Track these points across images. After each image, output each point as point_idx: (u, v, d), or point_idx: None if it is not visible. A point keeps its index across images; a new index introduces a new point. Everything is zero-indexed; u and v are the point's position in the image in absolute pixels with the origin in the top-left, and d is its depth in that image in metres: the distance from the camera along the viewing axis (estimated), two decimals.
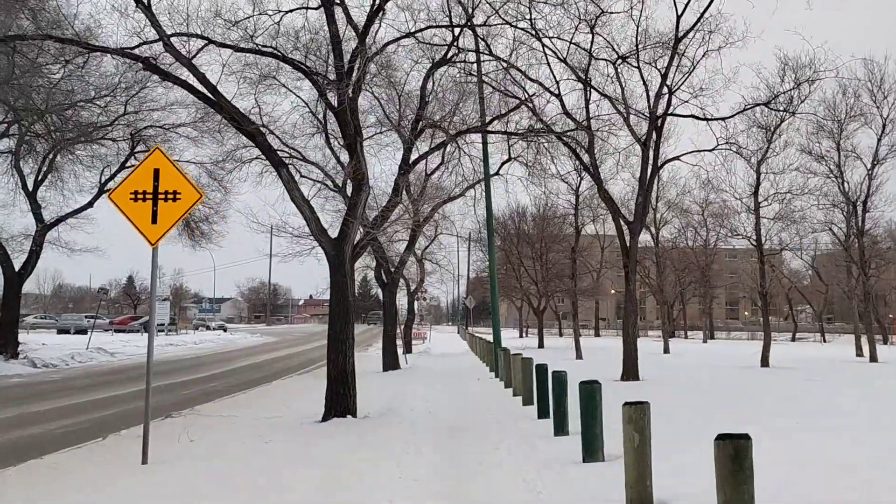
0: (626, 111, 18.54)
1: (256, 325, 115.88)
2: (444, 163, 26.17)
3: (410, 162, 13.65)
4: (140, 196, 9.15)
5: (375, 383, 19.98)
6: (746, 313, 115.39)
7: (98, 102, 29.59)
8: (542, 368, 12.86)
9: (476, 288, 76.51)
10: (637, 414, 6.68)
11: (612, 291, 77.90)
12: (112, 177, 31.80)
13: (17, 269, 29.64)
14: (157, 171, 9.22)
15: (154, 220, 9.11)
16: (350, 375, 12.39)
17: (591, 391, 8.80)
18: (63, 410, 15.17)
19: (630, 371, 19.50)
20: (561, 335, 69.38)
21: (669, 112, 19.21)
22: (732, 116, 19.80)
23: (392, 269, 26.23)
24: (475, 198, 26.28)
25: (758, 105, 20.11)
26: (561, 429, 10.68)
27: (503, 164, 25.79)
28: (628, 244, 19.51)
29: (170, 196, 9.17)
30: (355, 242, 12.74)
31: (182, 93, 28.58)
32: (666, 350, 36.49)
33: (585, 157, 20.00)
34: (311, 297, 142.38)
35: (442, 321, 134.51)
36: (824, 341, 57.38)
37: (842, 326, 70.78)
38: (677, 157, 20.60)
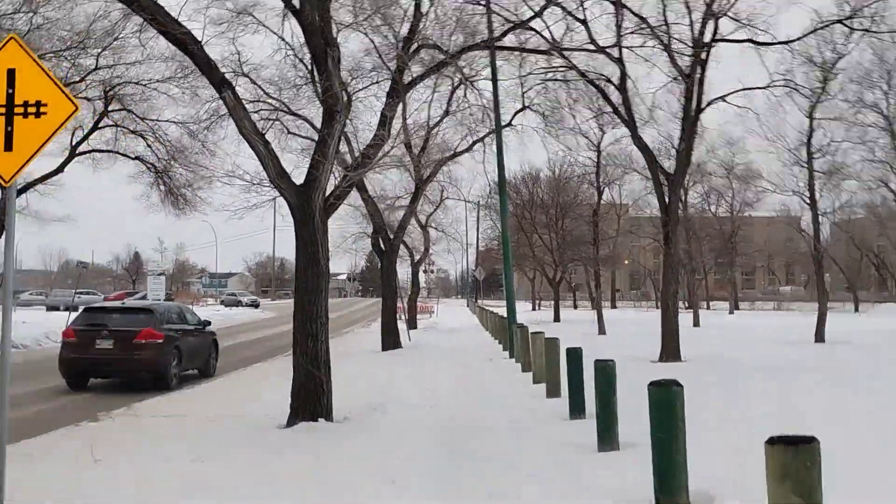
0: (668, 37, 15.30)
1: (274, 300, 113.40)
2: (449, 112, 23.06)
3: (402, 86, 10.53)
4: None
5: (369, 367, 17.03)
6: (763, 283, 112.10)
7: (66, 55, 26.61)
8: (575, 354, 9.86)
9: (485, 259, 73.44)
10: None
11: (627, 261, 74.73)
12: (84, 138, 28.82)
13: None
14: (11, 73, 6.16)
15: (8, 147, 6.07)
16: (323, 366, 9.39)
17: (667, 395, 5.74)
18: None
19: (671, 350, 16.46)
20: (576, 307, 66.37)
21: (718, 38, 15.96)
22: (801, 38, 16.48)
23: (391, 236, 23.14)
24: (485, 153, 23.22)
25: (838, 21, 16.63)
26: (608, 439, 7.70)
27: (516, 113, 22.69)
28: (668, 200, 16.41)
29: (31, 110, 6.12)
30: (329, 191, 9.68)
31: (160, 45, 25.67)
32: (696, 323, 33.33)
33: (614, 98, 16.88)
34: None
35: (451, 294, 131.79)
36: (857, 311, 54.02)
37: (865, 295, 67.43)
38: (723, 97, 17.33)
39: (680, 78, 16.24)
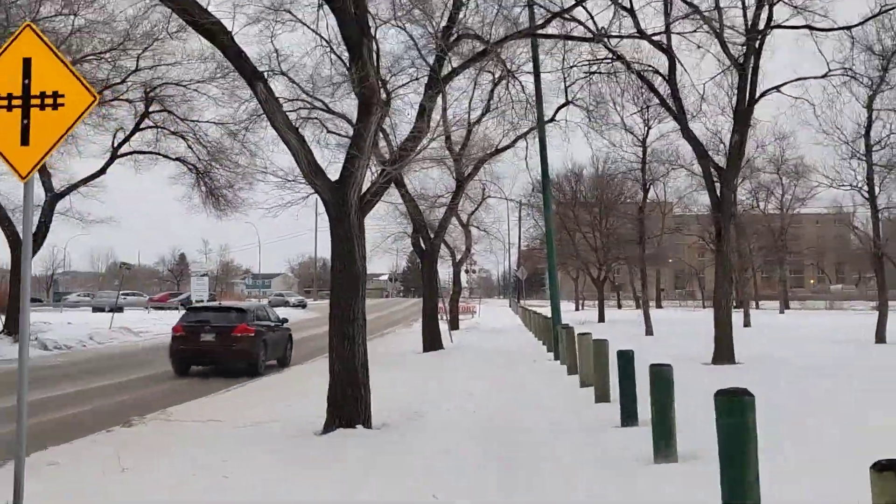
0: (721, 25, 14.55)
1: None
2: (490, 108, 22.57)
3: (442, 77, 10.05)
4: (3, 103, 5.79)
5: (409, 369, 16.60)
6: (812, 281, 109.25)
7: (107, 57, 26.70)
8: (626, 357, 9.28)
9: (528, 259, 72.67)
10: None
11: (670, 260, 73.25)
12: (126, 140, 28.94)
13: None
14: (27, 63, 5.82)
15: (25, 141, 5.73)
16: (360, 369, 8.94)
17: (738, 406, 5.16)
18: (34, 406, 12.19)
19: (724, 352, 15.71)
20: (620, 307, 65.28)
21: (773, 25, 15.17)
22: (861, 24, 15.61)
23: (432, 235, 22.69)
24: (527, 149, 22.67)
25: None
26: (666, 450, 7.13)
27: (559, 108, 22.06)
28: (720, 195, 15.67)
29: (48, 101, 5.77)
30: (365, 188, 9.25)
31: (198, 45, 25.58)
32: (747, 323, 32.28)
33: (662, 90, 16.20)
34: None
35: (493, 294, 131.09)
36: None
37: None
38: (778, 87, 16.50)
39: (732, 68, 15.49)
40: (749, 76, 15.26)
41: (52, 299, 71.59)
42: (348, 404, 8.79)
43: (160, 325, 38.07)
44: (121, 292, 54.71)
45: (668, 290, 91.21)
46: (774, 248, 50.60)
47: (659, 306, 65.67)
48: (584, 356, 13.19)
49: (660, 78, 16.67)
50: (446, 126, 18.15)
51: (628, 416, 9.02)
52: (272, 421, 9.83)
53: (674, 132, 27.26)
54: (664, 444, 7.15)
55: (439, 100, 10.71)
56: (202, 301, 54.60)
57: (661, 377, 7.30)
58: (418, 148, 9.71)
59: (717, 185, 15.65)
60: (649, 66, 16.06)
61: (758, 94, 15.66)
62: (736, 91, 15.42)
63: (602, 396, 11.21)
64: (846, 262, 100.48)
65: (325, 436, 8.66)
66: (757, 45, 15.43)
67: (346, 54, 12.52)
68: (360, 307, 9.02)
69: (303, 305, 68.67)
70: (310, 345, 25.30)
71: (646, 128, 26.45)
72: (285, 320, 20.15)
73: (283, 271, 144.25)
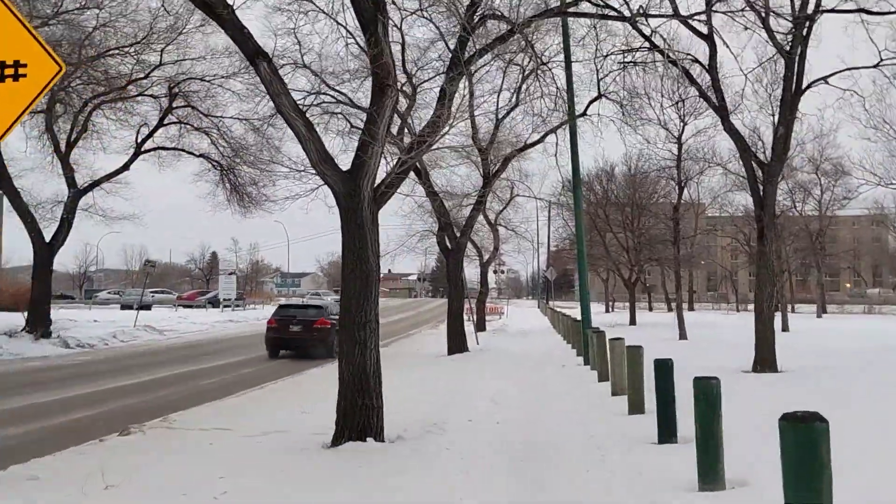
0: (766, 8, 13.53)
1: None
2: (518, 102, 21.71)
3: (464, 60, 9.21)
4: None
5: (432, 373, 15.85)
6: (848, 285, 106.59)
7: (130, 51, 26.30)
8: (664, 368, 8.41)
9: (556, 260, 71.62)
10: None
11: (703, 262, 71.76)
12: (150, 135, 28.55)
13: (47, 239, 26.46)
14: None
15: None
16: (373, 378, 8.15)
17: (809, 436, 4.30)
18: (40, 409, 11.72)
19: (766, 359, 14.70)
20: (650, 309, 63.95)
21: (823, 9, 14.13)
22: None
23: (458, 234, 21.87)
24: (557, 145, 21.77)
25: None
26: (712, 475, 6.28)
27: (591, 102, 21.12)
28: (763, 192, 14.68)
29: (9, 71, 5.08)
30: (380, 179, 8.48)
31: (222, 39, 25.09)
32: (785, 327, 31.01)
33: (701, 82, 15.23)
34: (389, 271, 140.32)
35: (522, 295, 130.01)
36: None
37: None
38: (825, 78, 15.42)
39: (778, 56, 14.49)
40: (795, 65, 14.25)
41: (83, 296, 72.02)
42: (359, 415, 8.02)
43: (186, 323, 37.74)
44: (150, 290, 54.80)
45: (700, 293, 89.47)
46: (811, 250, 49.06)
47: (691, 308, 64.18)
48: (617, 363, 12.34)
49: (699, 68, 15.71)
50: (472, 113, 17.37)
51: (667, 433, 8.17)
52: (282, 431, 9.12)
53: (711, 128, 26.22)
54: (710, 468, 6.30)
55: (464, 88, 9.91)
56: (230, 299, 54.92)
57: (708, 393, 6.43)
58: (438, 135, 8.93)
59: (759, 183, 14.66)
60: (689, 54, 15.15)
61: (804, 85, 14.64)
62: (782, 80, 14.39)
63: (636, 407, 10.36)
64: (884, 265, 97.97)
65: (332, 449, 7.89)
66: (804, 32, 14.41)
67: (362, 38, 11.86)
68: (373, 309, 8.25)
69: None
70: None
71: (681, 123, 25.39)
72: None
73: (312, 270, 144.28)
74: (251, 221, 55.07)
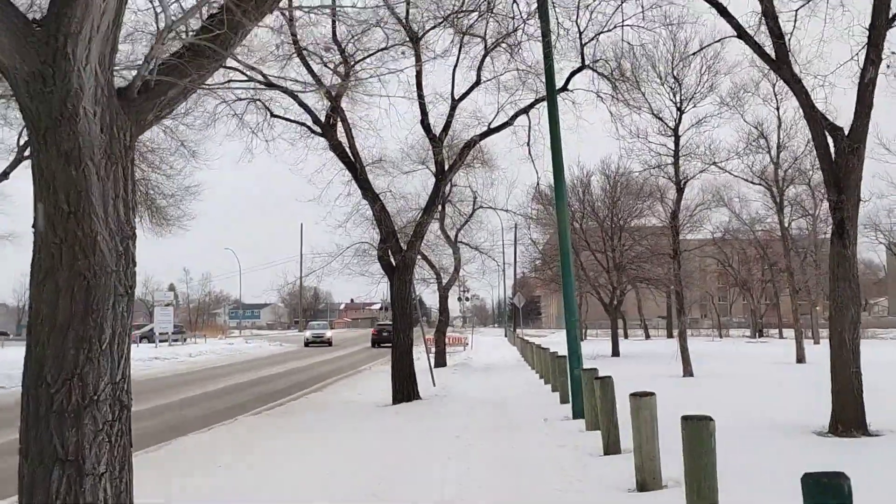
0: None
1: (286, 331, 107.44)
2: (479, 82, 17.16)
3: None
4: None
5: (356, 443, 10.78)
6: (818, 308, 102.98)
7: None
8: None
9: (522, 286, 67.03)
10: None
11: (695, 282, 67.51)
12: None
13: None
14: None
15: None
16: None
17: None
18: None
19: (850, 415, 9.78)
20: (626, 336, 59.37)
21: None
22: None
23: (403, 246, 16.93)
24: (530, 128, 17.23)
25: None
26: None
27: (572, 73, 16.63)
28: (840, 167, 9.96)
29: None
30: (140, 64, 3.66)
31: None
32: (800, 359, 26.21)
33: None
34: (351, 300, 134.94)
35: (489, 322, 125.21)
36: None
37: None
38: None
39: None
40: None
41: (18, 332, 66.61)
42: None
43: None
44: None
45: (672, 317, 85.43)
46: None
47: (669, 335, 59.72)
48: (644, 431, 7.50)
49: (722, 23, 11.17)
50: (420, 82, 12.86)
51: None
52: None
53: (714, 116, 21.79)
54: None
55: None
56: (166, 333, 49.48)
57: None
58: None
59: (833, 152, 10.01)
60: None
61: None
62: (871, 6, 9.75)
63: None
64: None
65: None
66: None
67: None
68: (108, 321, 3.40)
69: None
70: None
71: (678, 112, 20.85)
72: None
73: (273, 301, 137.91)
74: (190, 247, 49.25)
